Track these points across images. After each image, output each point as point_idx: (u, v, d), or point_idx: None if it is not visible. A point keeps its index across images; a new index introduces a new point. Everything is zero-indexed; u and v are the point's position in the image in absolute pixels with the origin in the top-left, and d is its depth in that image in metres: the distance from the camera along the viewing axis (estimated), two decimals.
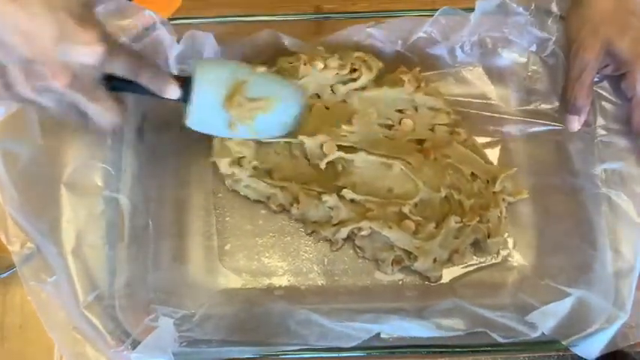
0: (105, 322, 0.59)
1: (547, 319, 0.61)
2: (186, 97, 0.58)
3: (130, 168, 0.67)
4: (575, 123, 0.65)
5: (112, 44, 0.51)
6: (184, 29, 0.68)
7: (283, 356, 0.62)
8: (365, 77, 0.71)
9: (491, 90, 0.72)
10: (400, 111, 0.72)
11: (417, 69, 0.71)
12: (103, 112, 0.54)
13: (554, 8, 0.68)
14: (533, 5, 0.67)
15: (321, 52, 0.71)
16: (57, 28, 0.47)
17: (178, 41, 0.68)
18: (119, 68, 0.53)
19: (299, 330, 0.62)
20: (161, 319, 0.60)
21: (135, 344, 0.59)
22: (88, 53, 0.49)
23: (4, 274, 0.65)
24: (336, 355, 0.62)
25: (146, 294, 0.64)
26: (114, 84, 0.54)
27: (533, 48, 0.70)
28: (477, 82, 0.73)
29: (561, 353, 0.63)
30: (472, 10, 0.67)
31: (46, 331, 0.57)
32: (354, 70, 0.71)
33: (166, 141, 0.70)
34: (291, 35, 0.70)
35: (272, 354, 0.62)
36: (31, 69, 0.48)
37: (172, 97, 0.57)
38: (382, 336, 0.63)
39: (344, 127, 0.69)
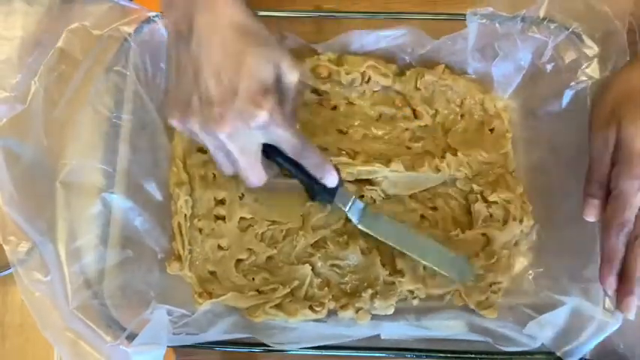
0: (100, 319, 0.60)
1: (544, 329, 0.61)
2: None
3: (127, 169, 0.67)
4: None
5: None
6: None
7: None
8: (383, 82, 0.72)
9: (490, 99, 0.72)
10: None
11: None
12: (250, 173, 0.59)
13: (541, 13, 0.67)
14: (523, 12, 0.67)
15: (324, 62, 0.71)
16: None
17: None
18: (286, 144, 0.58)
19: (294, 332, 0.63)
20: (155, 311, 0.61)
21: (131, 338, 0.59)
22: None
23: (4, 273, 0.66)
24: (336, 353, 0.62)
25: (141, 293, 0.64)
26: (269, 153, 0.60)
27: (529, 56, 0.69)
28: (476, 91, 0.72)
29: None
30: (473, 12, 0.66)
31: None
32: (368, 80, 0.72)
33: (163, 143, 0.70)
34: (291, 33, 0.70)
35: (268, 350, 0.62)
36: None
37: (330, 185, 0.62)
38: (382, 337, 0.62)
39: None
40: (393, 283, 0.65)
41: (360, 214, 0.65)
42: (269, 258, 0.68)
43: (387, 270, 0.66)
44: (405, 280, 0.65)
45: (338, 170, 0.62)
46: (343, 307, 0.64)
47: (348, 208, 0.65)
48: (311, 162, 0.60)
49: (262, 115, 0.53)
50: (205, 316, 0.64)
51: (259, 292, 0.65)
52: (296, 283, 0.66)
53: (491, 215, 0.68)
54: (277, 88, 0.56)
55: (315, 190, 0.64)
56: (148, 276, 0.66)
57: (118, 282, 0.63)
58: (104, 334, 0.59)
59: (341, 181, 0.64)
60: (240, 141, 0.55)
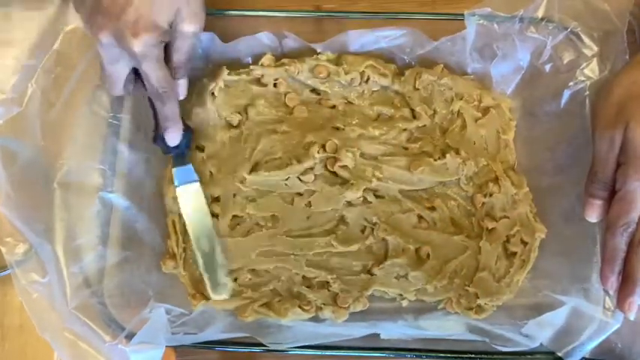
0: (99, 319, 0.60)
1: (543, 329, 0.61)
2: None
3: (126, 169, 0.67)
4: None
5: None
6: None
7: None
8: (382, 82, 0.72)
9: (488, 93, 0.71)
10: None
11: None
12: (108, 82, 0.62)
13: (540, 13, 0.67)
14: (521, 13, 0.66)
15: (323, 62, 0.71)
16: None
17: None
18: (148, 82, 0.61)
19: (291, 332, 0.64)
20: (153, 310, 0.61)
21: (130, 337, 0.59)
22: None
23: (3, 273, 0.65)
24: (335, 353, 0.62)
25: (140, 292, 0.64)
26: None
27: (528, 57, 0.69)
28: (474, 88, 0.72)
29: None
30: (471, 13, 0.67)
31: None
32: (367, 80, 0.72)
33: None
34: (291, 33, 0.70)
35: (268, 350, 0.62)
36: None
37: (169, 143, 0.65)
38: (382, 337, 0.63)
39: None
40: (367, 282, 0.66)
41: (181, 181, 0.67)
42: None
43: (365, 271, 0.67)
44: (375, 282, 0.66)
45: (189, 139, 0.67)
46: (320, 307, 0.65)
47: (175, 168, 0.67)
48: (162, 112, 0.63)
49: (135, 45, 0.57)
50: (203, 315, 0.64)
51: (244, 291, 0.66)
52: (277, 282, 0.66)
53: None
54: (170, 34, 0.60)
55: (157, 136, 0.66)
56: (147, 275, 0.66)
57: (116, 281, 0.63)
58: (103, 333, 0.59)
59: (186, 148, 0.67)
60: (111, 54, 0.59)
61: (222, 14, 0.71)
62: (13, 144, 0.60)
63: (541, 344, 0.61)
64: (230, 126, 0.72)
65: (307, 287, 0.66)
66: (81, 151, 0.64)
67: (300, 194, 0.69)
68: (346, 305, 0.65)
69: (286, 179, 0.69)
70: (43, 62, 0.62)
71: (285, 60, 0.72)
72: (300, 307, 0.64)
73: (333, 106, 0.72)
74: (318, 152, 0.68)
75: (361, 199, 0.68)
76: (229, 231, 0.68)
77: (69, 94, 0.63)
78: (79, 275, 0.61)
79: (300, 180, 0.69)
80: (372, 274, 0.66)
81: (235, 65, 0.73)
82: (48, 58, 0.63)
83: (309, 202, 0.68)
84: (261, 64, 0.72)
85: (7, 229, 0.58)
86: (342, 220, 0.68)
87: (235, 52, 0.72)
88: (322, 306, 0.65)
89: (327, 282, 0.66)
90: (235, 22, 0.71)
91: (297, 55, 0.72)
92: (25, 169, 0.60)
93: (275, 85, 0.72)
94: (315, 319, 0.65)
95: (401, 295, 0.66)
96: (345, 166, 0.68)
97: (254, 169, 0.69)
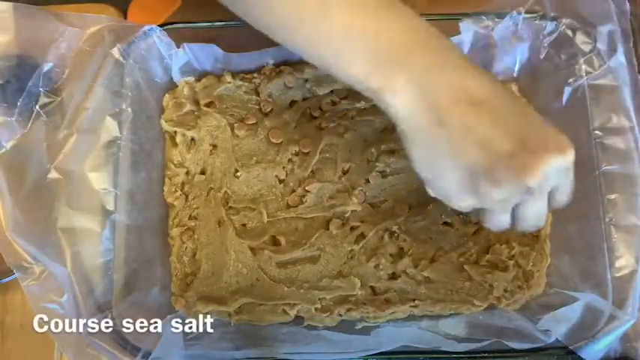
0: (114, 341, 0.60)
1: (559, 324, 0.61)
2: None
3: (130, 190, 0.67)
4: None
5: None
6: (183, 34, 0.69)
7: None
8: None
9: None
10: None
11: None
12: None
13: (536, 10, 0.67)
14: (515, 11, 0.66)
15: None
16: None
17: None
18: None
19: (301, 340, 0.64)
20: (166, 325, 0.61)
21: (146, 356, 0.60)
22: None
23: (5, 280, 0.66)
24: (340, 358, 0.62)
25: (150, 311, 0.64)
26: None
27: (526, 55, 0.70)
28: None
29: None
30: (467, 14, 0.67)
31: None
32: None
33: (159, 161, 0.71)
34: None
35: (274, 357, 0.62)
36: None
37: None
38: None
39: None
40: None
41: None
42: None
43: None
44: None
45: None
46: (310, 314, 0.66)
47: None
48: None
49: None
50: (216, 330, 0.64)
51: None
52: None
53: None
54: None
55: None
56: (157, 294, 0.66)
57: (127, 302, 0.63)
58: (120, 354, 0.59)
59: None
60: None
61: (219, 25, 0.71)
62: (18, 167, 0.60)
63: (546, 342, 0.61)
64: None
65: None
66: (87, 172, 0.63)
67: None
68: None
69: None
70: (43, 82, 0.62)
71: None
72: (283, 310, 0.66)
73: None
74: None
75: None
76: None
77: (72, 113, 0.63)
78: (91, 299, 0.61)
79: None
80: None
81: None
82: (50, 77, 0.62)
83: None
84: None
85: (21, 253, 0.57)
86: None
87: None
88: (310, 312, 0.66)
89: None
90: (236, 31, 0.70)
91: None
92: (32, 192, 0.60)
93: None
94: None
95: (413, 301, 0.66)
96: None
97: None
